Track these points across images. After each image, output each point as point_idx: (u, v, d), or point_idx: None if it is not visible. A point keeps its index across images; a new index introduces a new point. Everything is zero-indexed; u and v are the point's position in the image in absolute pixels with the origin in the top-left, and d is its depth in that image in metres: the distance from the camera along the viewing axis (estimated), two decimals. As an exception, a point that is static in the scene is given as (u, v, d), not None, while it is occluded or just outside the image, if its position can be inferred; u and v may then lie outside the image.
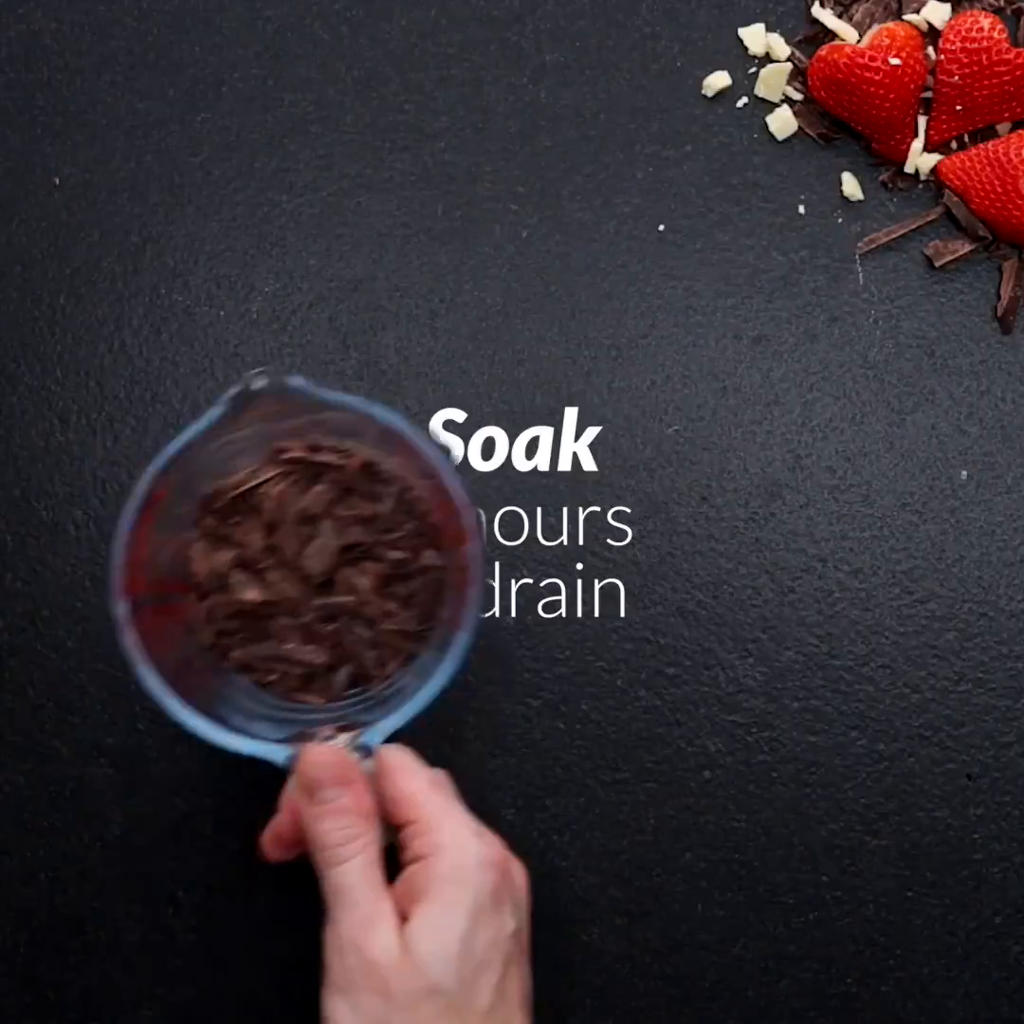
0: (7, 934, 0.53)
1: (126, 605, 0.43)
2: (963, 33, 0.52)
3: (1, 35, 0.57)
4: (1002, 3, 0.55)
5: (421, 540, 0.48)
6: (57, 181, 0.56)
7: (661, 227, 0.55)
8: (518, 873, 0.44)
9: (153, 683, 0.43)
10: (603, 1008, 0.52)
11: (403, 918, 0.41)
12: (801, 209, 0.55)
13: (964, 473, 0.54)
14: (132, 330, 0.55)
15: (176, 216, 0.56)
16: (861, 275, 0.55)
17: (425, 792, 0.43)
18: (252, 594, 0.47)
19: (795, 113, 0.55)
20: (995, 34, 0.52)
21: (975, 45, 0.52)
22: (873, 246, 0.55)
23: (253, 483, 0.48)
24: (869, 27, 0.54)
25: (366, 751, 0.44)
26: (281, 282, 0.55)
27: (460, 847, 0.42)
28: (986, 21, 0.52)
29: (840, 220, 0.55)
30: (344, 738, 0.44)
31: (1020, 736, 0.53)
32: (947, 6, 0.54)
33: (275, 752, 0.43)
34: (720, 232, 0.55)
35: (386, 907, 0.41)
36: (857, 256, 0.55)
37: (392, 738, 0.44)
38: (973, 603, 0.53)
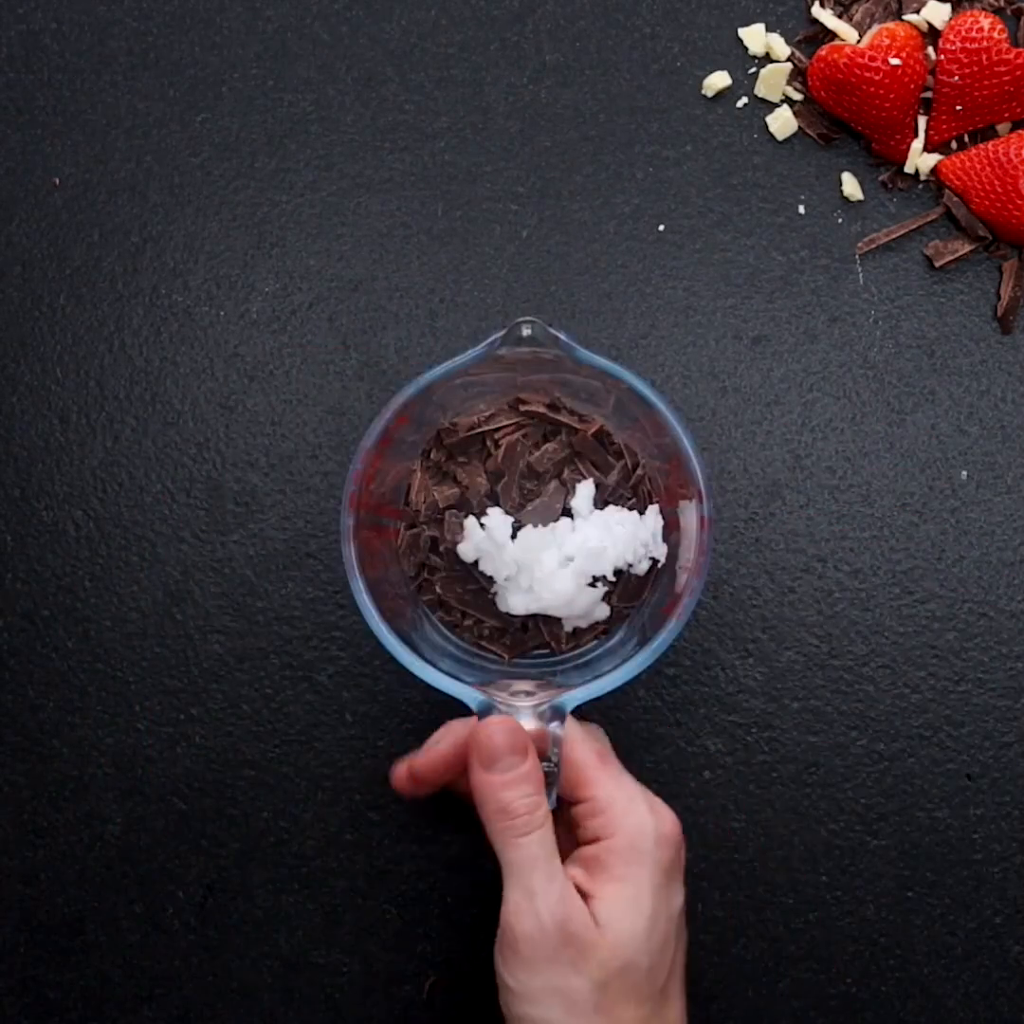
0: (7, 934, 0.53)
1: (353, 518, 0.43)
2: (963, 33, 0.52)
3: (1, 35, 0.57)
4: (1002, 3, 0.55)
5: None
6: (57, 181, 0.56)
7: (661, 227, 0.55)
8: (682, 839, 0.44)
9: (362, 599, 0.43)
10: (603, 1008, 0.52)
11: (583, 896, 0.41)
12: (801, 209, 0.55)
13: (964, 473, 0.54)
14: (132, 330, 0.55)
15: (176, 216, 0.56)
16: (861, 275, 0.55)
17: (595, 767, 0.43)
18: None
19: (795, 113, 0.55)
20: (995, 34, 0.52)
21: (975, 45, 0.52)
22: (873, 246, 0.55)
23: (488, 427, 0.48)
24: (869, 27, 0.54)
25: (559, 714, 0.43)
26: (281, 282, 0.55)
27: (638, 826, 0.42)
28: (986, 21, 0.52)
29: (840, 220, 0.55)
30: (541, 696, 0.43)
31: (1020, 736, 0.53)
32: (947, 6, 0.54)
33: (468, 695, 0.43)
34: (720, 232, 0.55)
35: (569, 882, 0.41)
36: (857, 256, 0.55)
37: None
38: (973, 603, 0.53)
